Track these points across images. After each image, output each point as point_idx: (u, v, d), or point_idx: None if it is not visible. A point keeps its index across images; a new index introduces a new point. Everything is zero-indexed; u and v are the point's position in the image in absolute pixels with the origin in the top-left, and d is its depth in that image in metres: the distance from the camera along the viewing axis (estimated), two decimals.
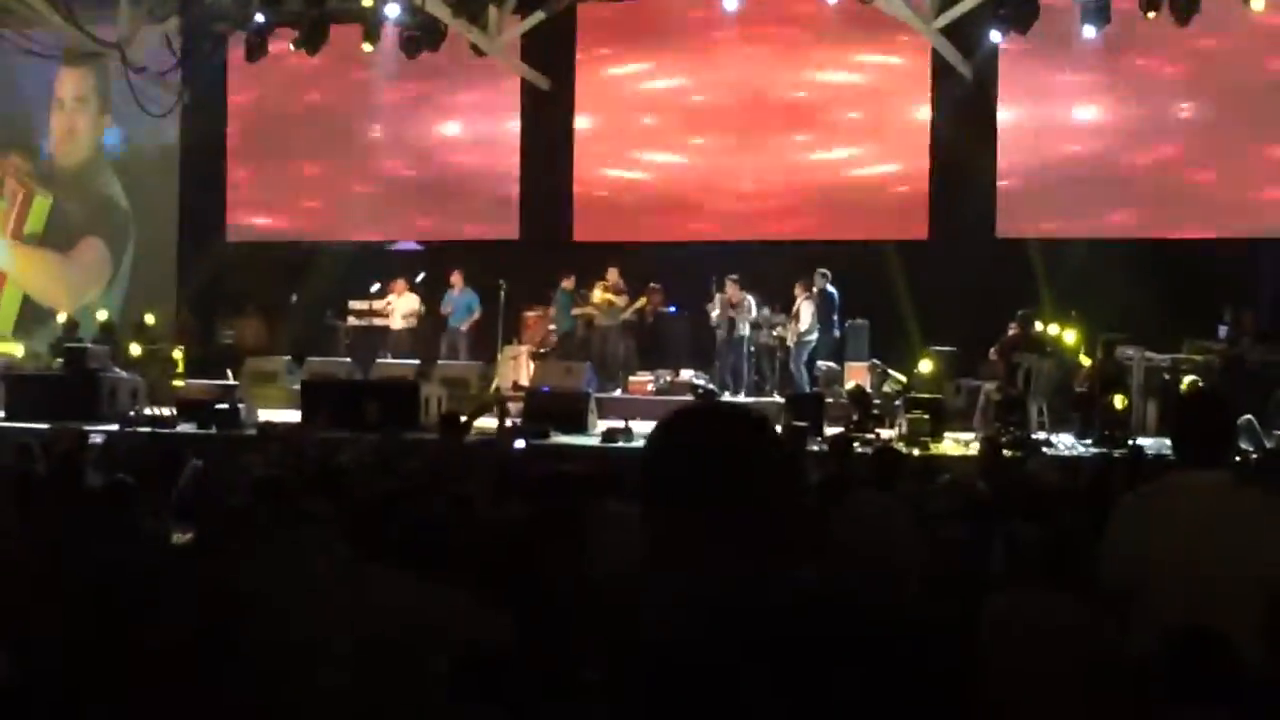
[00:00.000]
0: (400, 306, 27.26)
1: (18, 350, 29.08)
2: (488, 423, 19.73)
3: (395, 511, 6.13)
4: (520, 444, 17.73)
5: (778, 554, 3.00)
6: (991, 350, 22.64)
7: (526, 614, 5.98)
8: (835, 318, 25.25)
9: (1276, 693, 5.19)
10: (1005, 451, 16.60)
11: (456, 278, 27.20)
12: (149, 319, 28.56)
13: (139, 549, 6.49)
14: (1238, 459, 17.05)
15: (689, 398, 23.60)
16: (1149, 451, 16.94)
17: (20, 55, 29.11)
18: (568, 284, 26.76)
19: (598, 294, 26.46)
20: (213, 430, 21.62)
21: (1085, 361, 22.00)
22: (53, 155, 32.51)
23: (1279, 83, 25.11)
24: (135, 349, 27.17)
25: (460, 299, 27.12)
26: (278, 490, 7.62)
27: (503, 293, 26.54)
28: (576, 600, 6.33)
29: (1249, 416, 19.27)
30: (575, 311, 26.71)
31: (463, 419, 16.95)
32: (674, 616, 2.97)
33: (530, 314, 26.91)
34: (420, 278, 27.51)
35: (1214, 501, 5.74)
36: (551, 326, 26.75)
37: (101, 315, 29.25)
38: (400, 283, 27.34)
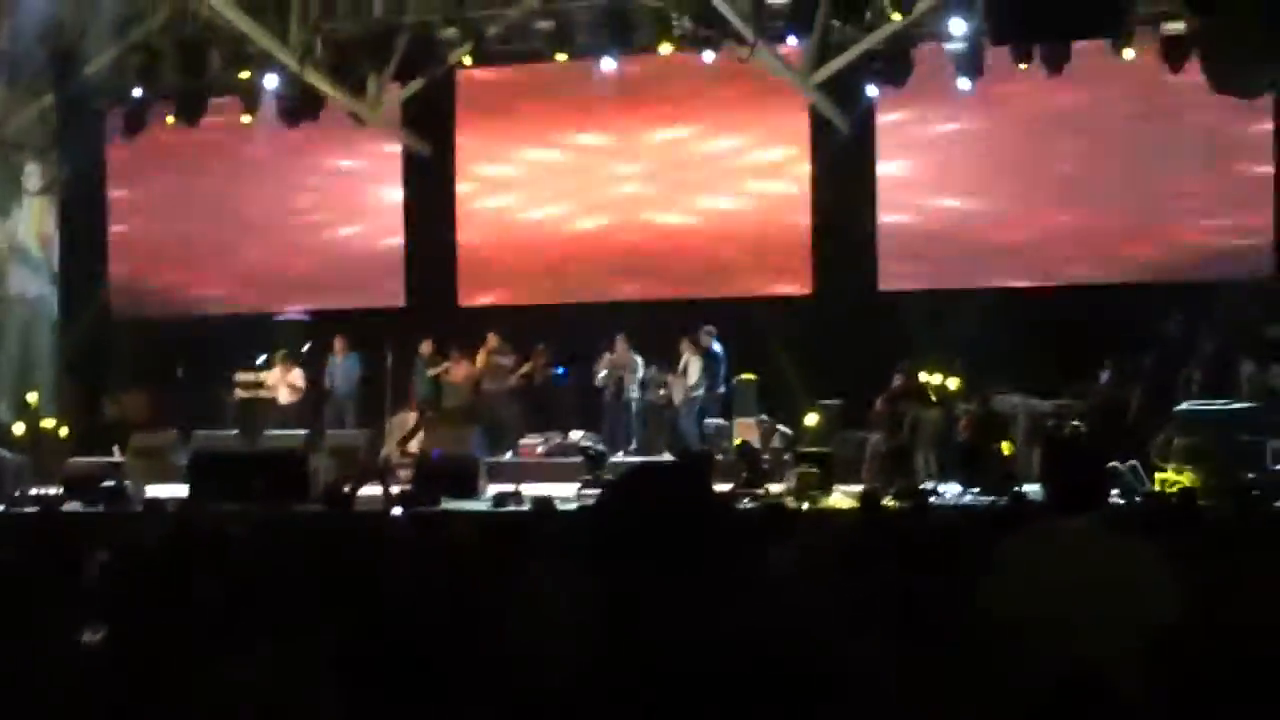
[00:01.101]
0: (284, 381, 27.08)
1: None
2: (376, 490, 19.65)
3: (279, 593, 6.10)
4: (397, 511, 17.61)
5: (721, 605, 3.07)
6: (878, 401, 22.81)
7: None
8: (722, 374, 25.36)
9: None
10: (888, 502, 16.72)
11: (339, 343, 27.15)
12: (31, 398, 28.27)
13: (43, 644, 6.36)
14: (1121, 502, 17.33)
15: (578, 459, 23.65)
16: (1032, 498, 17.09)
17: None
18: (425, 349, 26.85)
19: (480, 358, 26.52)
20: (100, 508, 21.43)
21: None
22: None
23: (1152, 129, 25.56)
24: (19, 428, 26.89)
25: (344, 364, 27.07)
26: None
27: (389, 360, 26.52)
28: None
29: (1134, 462, 19.51)
30: (431, 373, 26.78)
31: (345, 490, 16.87)
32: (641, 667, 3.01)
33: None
34: (306, 347, 27.39)
35: (1080, 548, 5.85)
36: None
37: None
38: (284, 357, 27.14)
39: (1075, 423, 21.36)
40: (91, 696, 5.64)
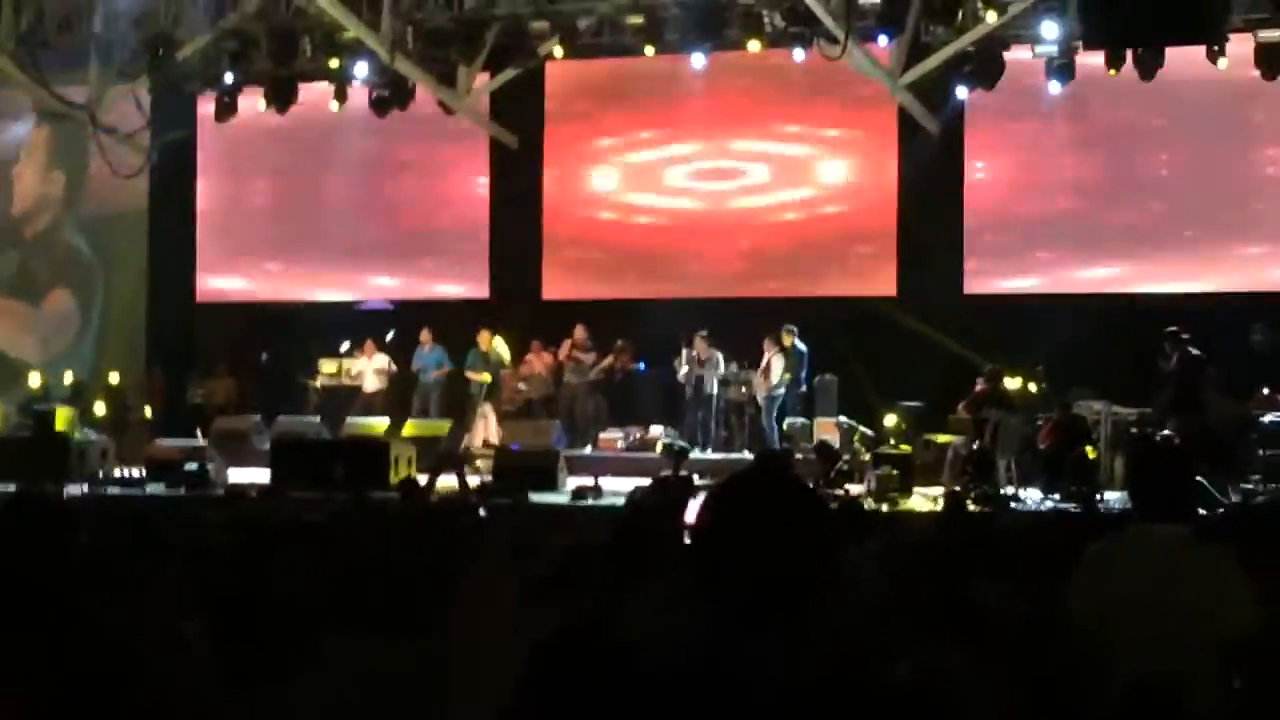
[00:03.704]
0: (371, 368, 27.27)
1: None
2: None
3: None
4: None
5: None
6: (960, 406, 22.69)
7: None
8: (804, 373, 25.29)
9: None
10: (971, 506, 16.63)
11: (425, 335, 27.27)
12: (114, 378, 28.52)
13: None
14: (1202, 513, 17.11)
15: (657, 454, 23.64)
16: (1115, 506, 16.98)
17: None
18: (482, 340, 26.73)
19: (563, 351, 26.57)
20: (181, 491, 21.60)
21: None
22: (15, 213, 32.43)
23: (1245, 137, 25.37)
24: (101, 409, 27.13)
25: (430, 356, 27.19)
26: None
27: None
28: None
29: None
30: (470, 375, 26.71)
31: (422, 481, 16.89)
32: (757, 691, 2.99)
33: (501, 371, 26.90)
34: (390, 336, 27.53)
35: (1172, 557, 5.78)
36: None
37: (69, 377, 29.15)
38: (369, 344, 27.35)
39: (1164, 431, 21.13)
40: (172, 683, 5.65)
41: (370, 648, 5.57)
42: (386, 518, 12.93)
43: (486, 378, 26.23)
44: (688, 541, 3.24)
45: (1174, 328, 21.53)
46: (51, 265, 32.08)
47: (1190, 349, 21.32)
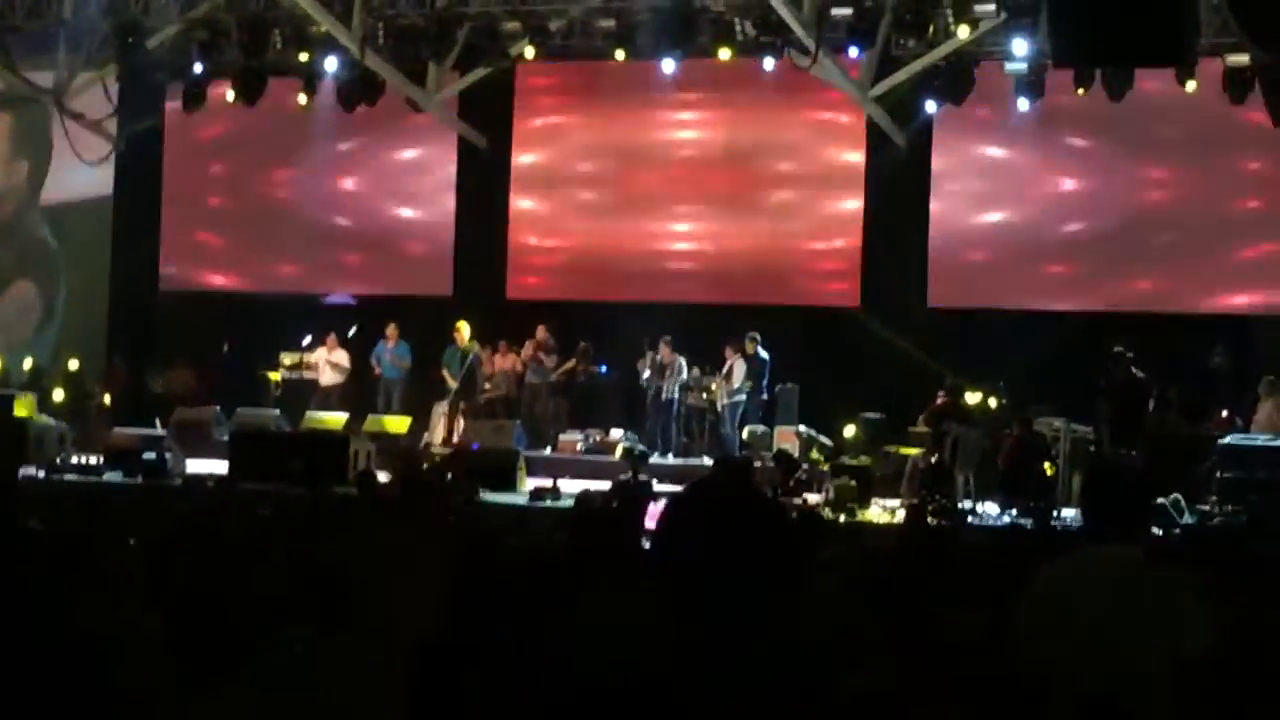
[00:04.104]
0: (328, 360, 27.13)
1: None
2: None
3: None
4: None
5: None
6: (920, 418, 22.72)
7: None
8: (765, 381, 25.31)
9: None
10: (930, 519, 16.67)
11: (391, 330, 27.13)
12: (73, 365, 28.36)
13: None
14: (1159, 533, 17.22)
15: (617, 458, 23.67)
16: (1072, 523, 17.02)
17: None
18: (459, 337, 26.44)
19: (525, 350, 26.51)
20: (139, 480, 21.52)
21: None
22: None
23: (1213, 159, 25.48)
24: (60, 395, 27.00)
25: (394, 350, 27.06)
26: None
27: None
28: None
29: (1176, 495, 19.36)
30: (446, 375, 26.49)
31: (383, 479, 16.87)
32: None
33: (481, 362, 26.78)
34: (353, 332, 27.42)
35: (1123, 579, 5.78)
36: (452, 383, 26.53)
37: (28, 363, 29.00)
38: (331, 338, 27.23)
39: (1123, 450, 21.18)
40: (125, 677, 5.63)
41: (323, 644, 5.54)
42: (344, 513, 12.93)
43: (454, 384, 26.00)
44: (647, 547, 3.24)
45: (1119, 348, 21.63)
46: (14, 255, 31.88)
47: (1135, 371, 21.42)
